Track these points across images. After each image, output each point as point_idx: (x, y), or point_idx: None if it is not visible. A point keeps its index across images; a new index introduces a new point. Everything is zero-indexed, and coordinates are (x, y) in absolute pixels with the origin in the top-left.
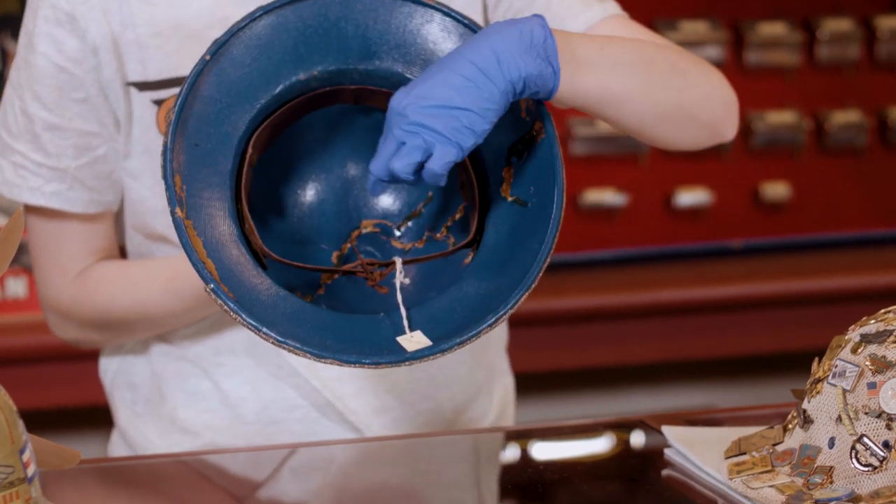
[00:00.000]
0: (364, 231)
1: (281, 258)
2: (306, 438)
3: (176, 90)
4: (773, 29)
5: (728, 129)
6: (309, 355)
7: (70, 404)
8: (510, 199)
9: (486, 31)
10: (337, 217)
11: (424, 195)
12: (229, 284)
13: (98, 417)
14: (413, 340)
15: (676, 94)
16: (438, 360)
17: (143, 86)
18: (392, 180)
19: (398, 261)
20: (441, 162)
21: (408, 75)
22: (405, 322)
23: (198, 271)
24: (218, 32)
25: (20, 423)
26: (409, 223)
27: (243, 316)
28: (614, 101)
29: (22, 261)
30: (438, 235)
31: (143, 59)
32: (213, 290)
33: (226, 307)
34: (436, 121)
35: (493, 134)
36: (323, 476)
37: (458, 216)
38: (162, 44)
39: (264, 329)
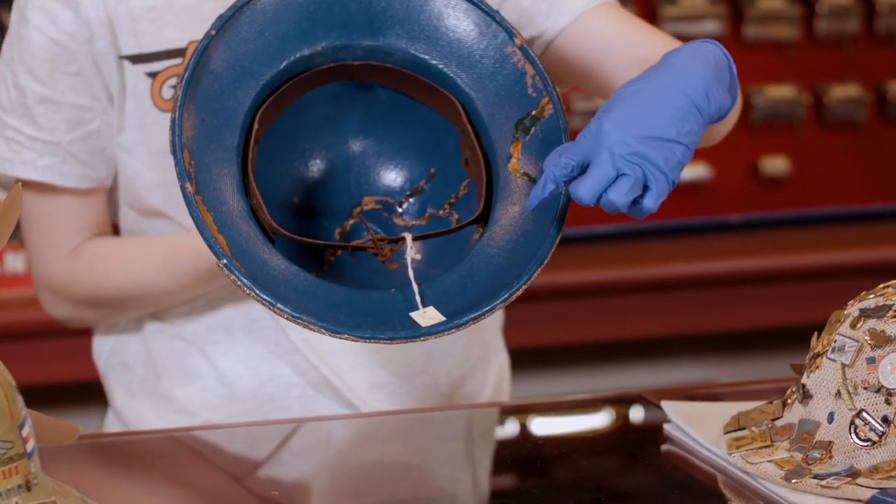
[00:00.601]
0: (366, 208)
1: (290, 234)
2: (302, 416)
3: (170, 62)
4: (771, 3)
5: None
6: (324, 331)
7: (69, 380)
8: (518, 175)
9: (679, 59)
10: (339, 194)
11: (426, 172)
12: (241, 259)
13: (97, 393)
14: (427, 316)
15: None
16: None
17: (137, 58)
18: (590, 205)
19: (408, 236)
20: (658, 200)
21: (412, 51)
22: (418, 298)
23: (210, 246)
24: (212, 5)
25: (19, 399)
26: (412, 200)
27: (257, 291)
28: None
29: (21, 236)
30: (441, 212)
31: (136, 32)
32: (225, 265)
33: (239, 282)
34: (657, 153)
35: (499, 110)
36: (319, 453)
37: (461, 193)
38: (156, 17)
39: (279, 304)
